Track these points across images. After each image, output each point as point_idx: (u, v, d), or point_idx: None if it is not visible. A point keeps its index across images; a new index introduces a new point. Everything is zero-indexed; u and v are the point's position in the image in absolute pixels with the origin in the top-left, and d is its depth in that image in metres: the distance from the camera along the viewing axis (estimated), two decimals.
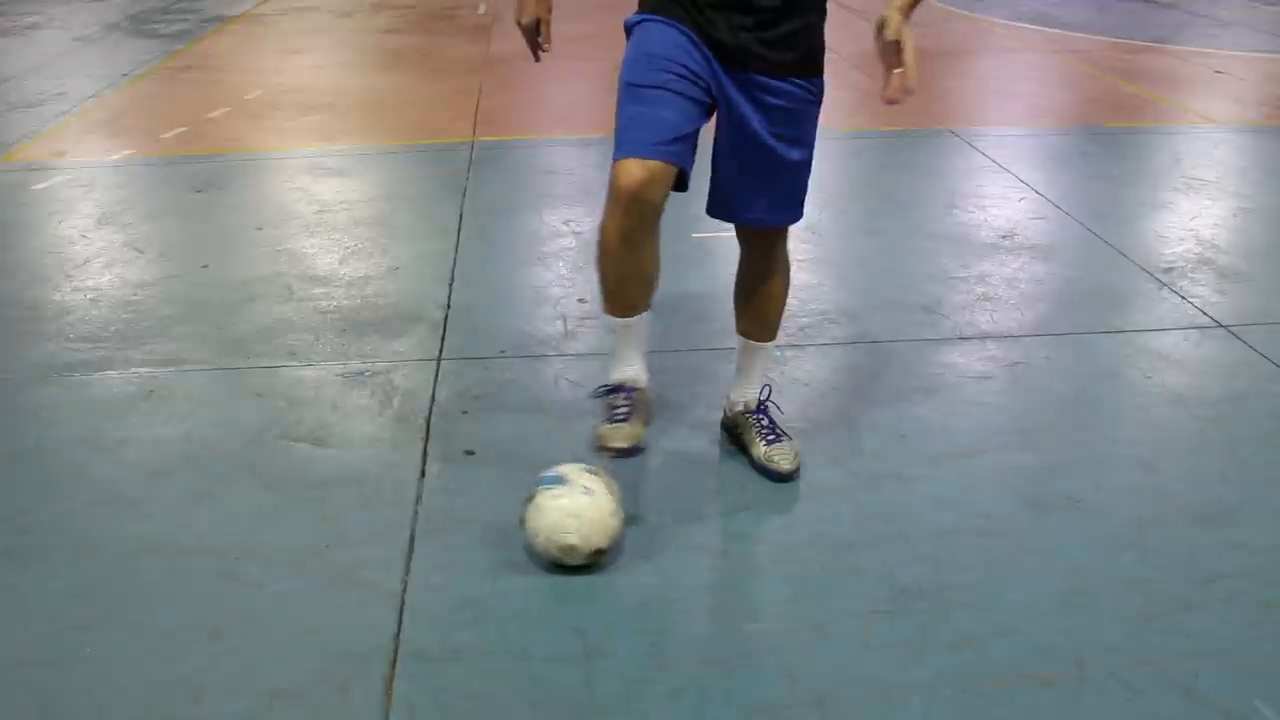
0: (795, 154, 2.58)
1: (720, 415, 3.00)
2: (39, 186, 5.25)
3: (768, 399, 2.90)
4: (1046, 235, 4.57)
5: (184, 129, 6.27)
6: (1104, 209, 4.87)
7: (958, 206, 4.88)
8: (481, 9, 10.14)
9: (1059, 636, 2.26)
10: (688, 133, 2.47)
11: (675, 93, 2.44)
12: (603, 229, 2.53)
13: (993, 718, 2.06)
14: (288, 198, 5.11)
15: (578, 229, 4.64)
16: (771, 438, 2.83)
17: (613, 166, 2.44)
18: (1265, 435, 3.05)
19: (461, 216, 4.78)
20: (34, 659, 2.22)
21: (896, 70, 2.31)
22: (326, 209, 4.90)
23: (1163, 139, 6.11)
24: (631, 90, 2.47)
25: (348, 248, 4.45)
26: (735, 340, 2.91)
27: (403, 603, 2.37)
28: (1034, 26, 9.46)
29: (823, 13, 2.52)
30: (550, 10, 2.71)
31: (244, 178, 5.44)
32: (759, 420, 2.87)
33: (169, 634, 2.28)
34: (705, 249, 4.20)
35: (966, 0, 10.50)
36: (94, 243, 4.51)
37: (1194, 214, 4.80)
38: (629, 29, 2.56)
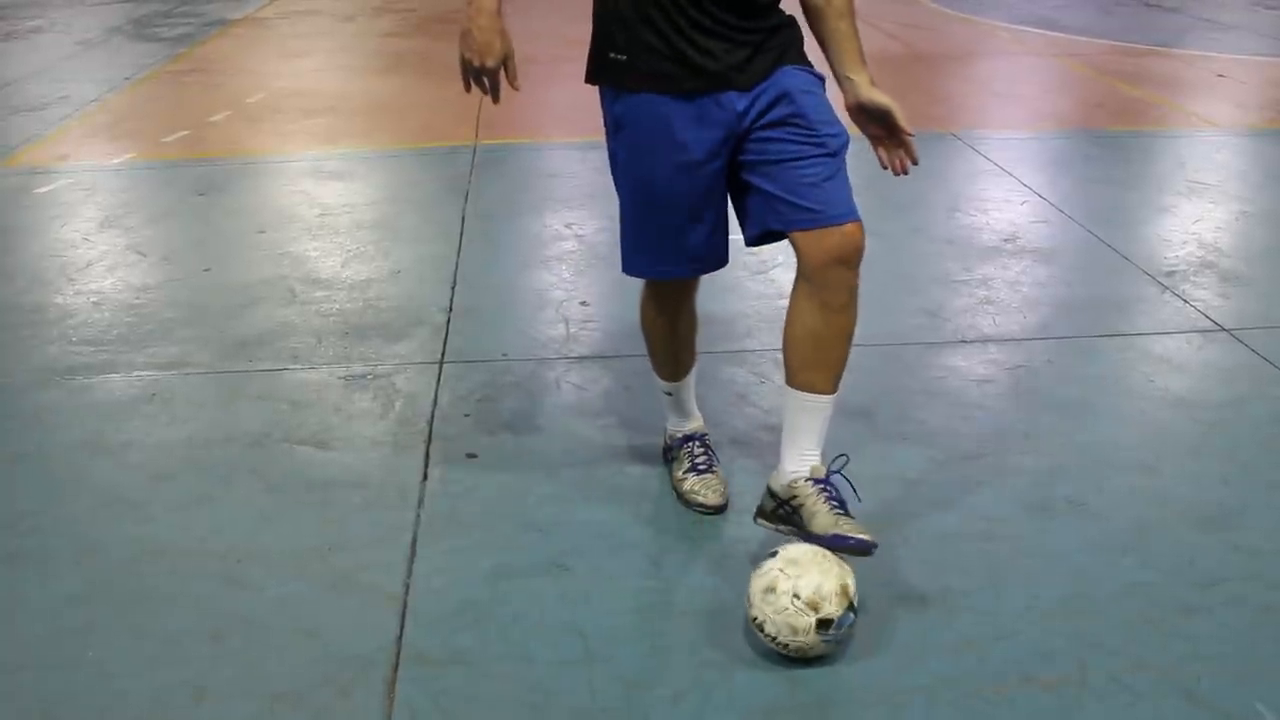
0: (834, 131, 2.28)
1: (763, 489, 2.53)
2: (41, 190, 5.26)
3: (840, 470, 2.38)
4: (1048, 239, 4.57)
5: (186, 132, 6.28)
6: (1106, 212, 4.87)
7: (960, 210, 4.88)
8: None
9: (1060, 640, 2.26)
10: (719, 230, 2.43)
11: (681, 220, 2.37)
12: (644, 312, 2.65)
13: None
14: (290, 201, 5.12)
15: (580, 232, 4.65)
16: (840, 510, 2.29)
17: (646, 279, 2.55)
18: (1267, 439, 3.05)
19: (464, 220, 4.78)
20: (36, 661, 2.22)
21: (892, 149, 2.35)
22: (329, 212, 4.90)
23: (1165, 143, 6.11)
24: (643, 209, 2.42)
25: (350, 251, 4.45)
26: (789, 397, 2.36)
27: (404, 606, 2.37)
28: (1036, 30, 9.46)
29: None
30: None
31: (246, 181, 5.45)
32: (824, 491, 2.31)
33: (171, 637, 2.29)
34: None
35: (969, 4, 10.50)
36: (96, 246, 4.52)
37: (1196, 218, 4.80)
38: (617, 126, 2.37)
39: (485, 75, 2.23)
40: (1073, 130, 6.38)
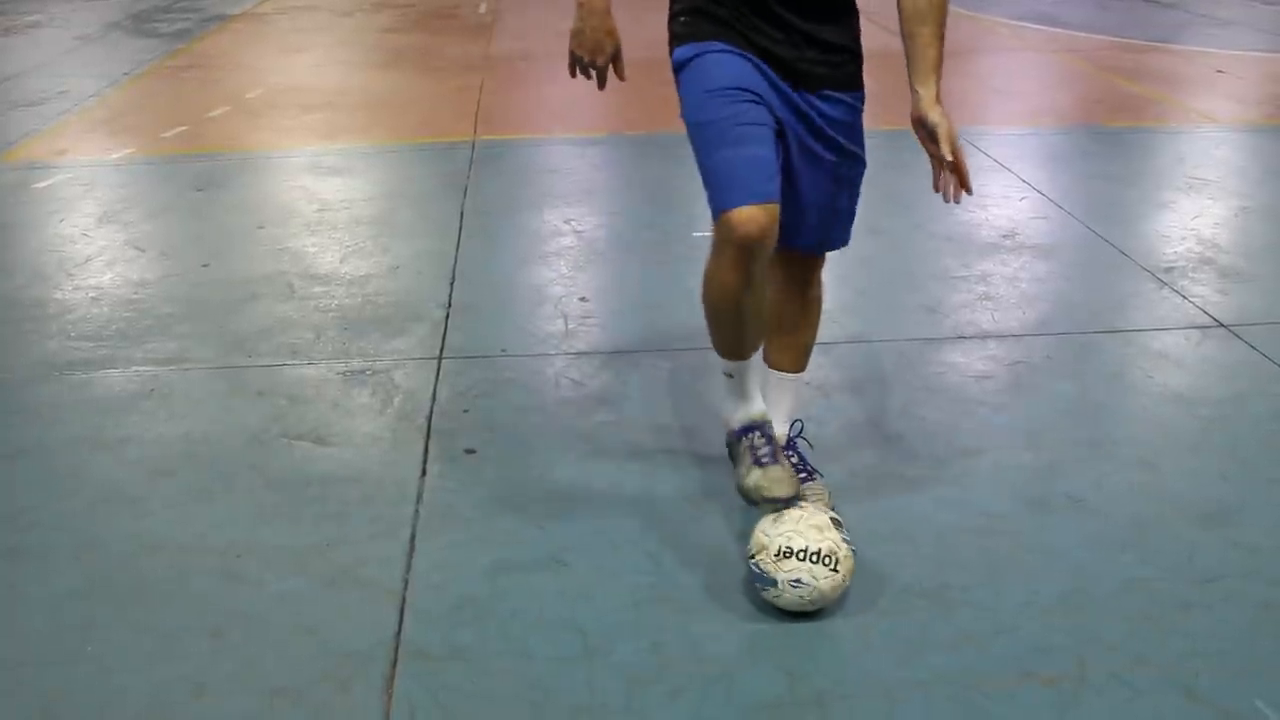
0: (853, 170, 2.46)
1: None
2: (40, 185, 5.26)
3: (799, 434, 2.71)
4: (1048, 235, 4.57)
5: (185, 128, 6.27)
6: (1105, 208, 4.87)
7: (959, 206, 4.86)
8: (482, 8, 10.13)
9: (1059, 636, 2.26)
10: (778, 166, 2.33)
11: (761, 124, 2.29)
12: (719, 279, 2.32)
13: (993, 717, 2.06)
14: (289, 196, 5.11)
15: (579, 228, 4.65)
16: (804, 475, 2.62)
17: (723, 216, 2.23)
18: (1266, 435, 3.05)
19: (462, 215, 4.78)
20: (35, 657, 2.22)
21: (945, 172, 2.32)
22: (327, 208, 4.90)
23: (1164, 138, 6.11)
24: (716, 129, 2.28)
25: (349, 246, 4.45)
26: (765, 373, 2.65)
27: (403, 602, 2.37)
28: (1036, 26, 9.46)
29: (858, 25, 2.44)
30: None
31: (245, 176, 5.45)
32: (788, 457, 2.57)
33: (170, 632, 2.29)
34: (706, 248, 4.19)
35: (970, 0, 10.49)
36: (95, 241, 4.52)
37: (1195, 213, 4.80)
38: (682, 63, 2.36)
39: (594, 69, 2.33)
40: (1072, 126, 6.38)
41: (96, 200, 5.04)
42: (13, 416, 3.20)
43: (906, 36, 2.36)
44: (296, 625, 2.31)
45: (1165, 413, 3.19)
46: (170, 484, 2.83)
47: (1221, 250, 4.37)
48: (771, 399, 2.66)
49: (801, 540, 2.25)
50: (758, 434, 2.47)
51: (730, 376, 2.50)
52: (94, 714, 2.08)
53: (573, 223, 4.71)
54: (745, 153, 2.26)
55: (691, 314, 3.75)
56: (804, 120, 2.37)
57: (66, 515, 2.70)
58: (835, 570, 2.25)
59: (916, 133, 2.37)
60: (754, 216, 2.21)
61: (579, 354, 3.53)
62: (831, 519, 2.32)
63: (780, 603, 2.27)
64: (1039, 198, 5.00)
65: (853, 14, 2.40)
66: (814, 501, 2.52)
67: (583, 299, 3.94)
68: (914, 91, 2.35)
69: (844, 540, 2.29)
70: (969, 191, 2.34)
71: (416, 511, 2.69)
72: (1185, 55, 8.35)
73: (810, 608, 2.27)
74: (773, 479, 2.39)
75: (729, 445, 2.58)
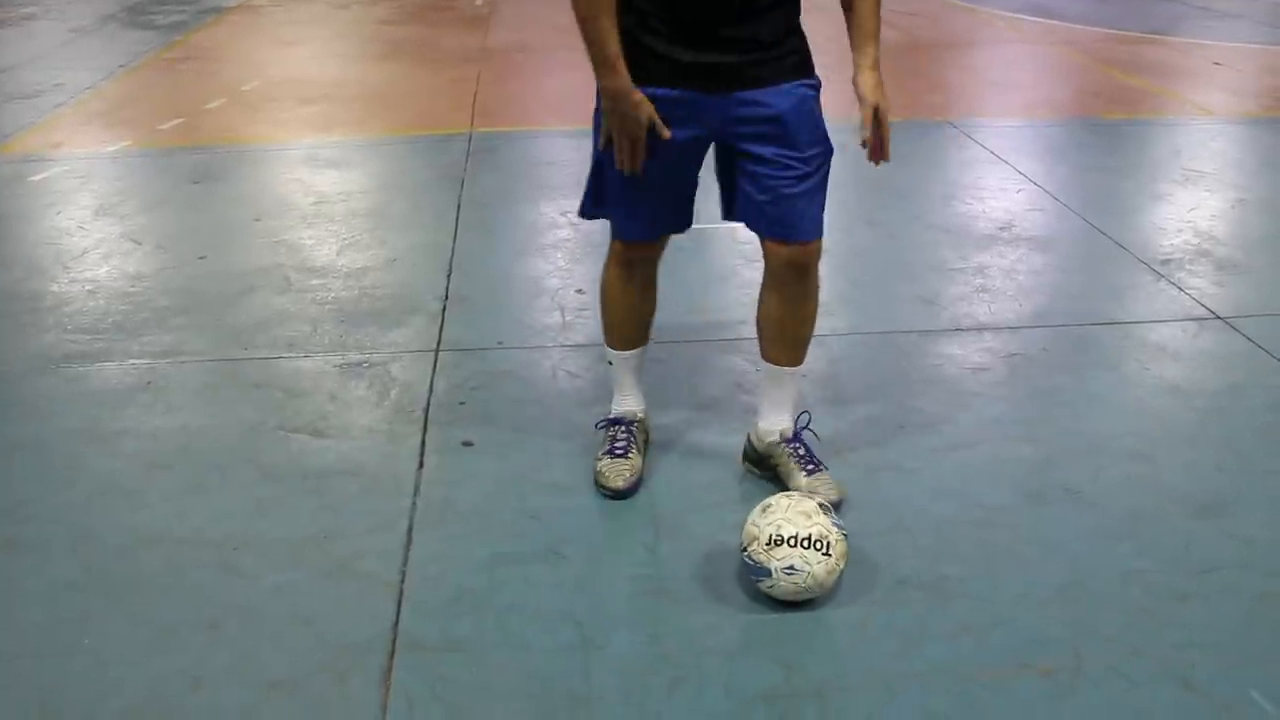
0: (809, 158, 2.45)
1: (744, 443, 2.82)
2: (36, 178, 5.25)
3: (806, 426, 2.76)
4: (1044, 227, 4.57)
5: (181, 120, 6.26)
6: (1102, 201, 4.87)
7: (956, 198, 4.88)
8: (479, 0, 10.13)
9: (1056, 627, 2.26)
10: (686, 198, 2.60)
11: (667, 181, 2.51)
12: (606, 275, 2.74)
13: (991, 708, 2.07)
14: (285, 189, 5.11)
15: (575, 220, 4.63)
16: (811, 468, 2.67)
17: (611, 237, 2.64)
18: (1262, 427, 3.06)
19: (459, 207, 4.78)
20: (32, 650, 2.22)
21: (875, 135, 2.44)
22: (324, 200, 4.89)
23: (1161, 131, 6.11)
24: (616, 178, 2.50)
25: (345, 239, 4.44)
26: (762, 368, 2.75)
27: (401, 593, 2.37)
28: (1032, 18, 9.45)
29: (795, 16, 2.46)
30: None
31: (241, 169, 5.44)
32: (796, 450, 2.69)
33: (167, 625, 2.29)
34: (701, 240, 4.20)
35: None
36: (91, 234, 4.51)
37: (1192, 206, 4.80)
38: (599, 105, 2.45)
39: (635, 144, 2.41)
40: (1069, 118, 6.38)
41: (92, 193, 5.03)
42: (9, 410, 3.19)
43: (847, 8, 2.47)
44: (294, 617, 2.31)
45: (1162, 405, 3.19)
46: (167, 477, 2.82)
47: (1218, 242, 4.37)
48: (772, 394, 2.73)
49: (791, 527, 2.26)
50: (621, 427, 2.80)
51: (611, 364, 2.85)
52: (91, 706, 2.08)
53: (569, 215, 4.70)
54: (643, 206, 2.56)
55: (686, 307, 3.77)
56: (741, 122, 2.42)
57: (63, 508, 2.70)
58: (828, 554, 2.25)
59: (856, 94, 2.46)
60: (634, 248, 2.66)
61: (576, 346, 3.53)
62: (819, 504, 2.33)
63: (776, 592, 2.27)
64: (1036, 190, 5.00)
65: (784, 7, 2.42)
66: (823, 493, 2.53)
67: (579, 291, 3.93)
68: (854, 59, 2.46)
69: (834, 525, 2.30)
70: (882, 159, 2.49)
71: (413, 504, 2.69)
72: (1182, 47, 8.35)
73: (807, 595, 2.27)
74: (615, 471, 2.70)
75: (600, 428, 2.87)
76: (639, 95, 2.36)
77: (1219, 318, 3.70)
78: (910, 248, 4.37)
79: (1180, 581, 2.41)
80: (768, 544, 2.26)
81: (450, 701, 2.08)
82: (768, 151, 2.43)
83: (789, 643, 2.23)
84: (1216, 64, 7.75)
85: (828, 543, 2.26)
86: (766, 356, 2.71)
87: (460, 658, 2.19)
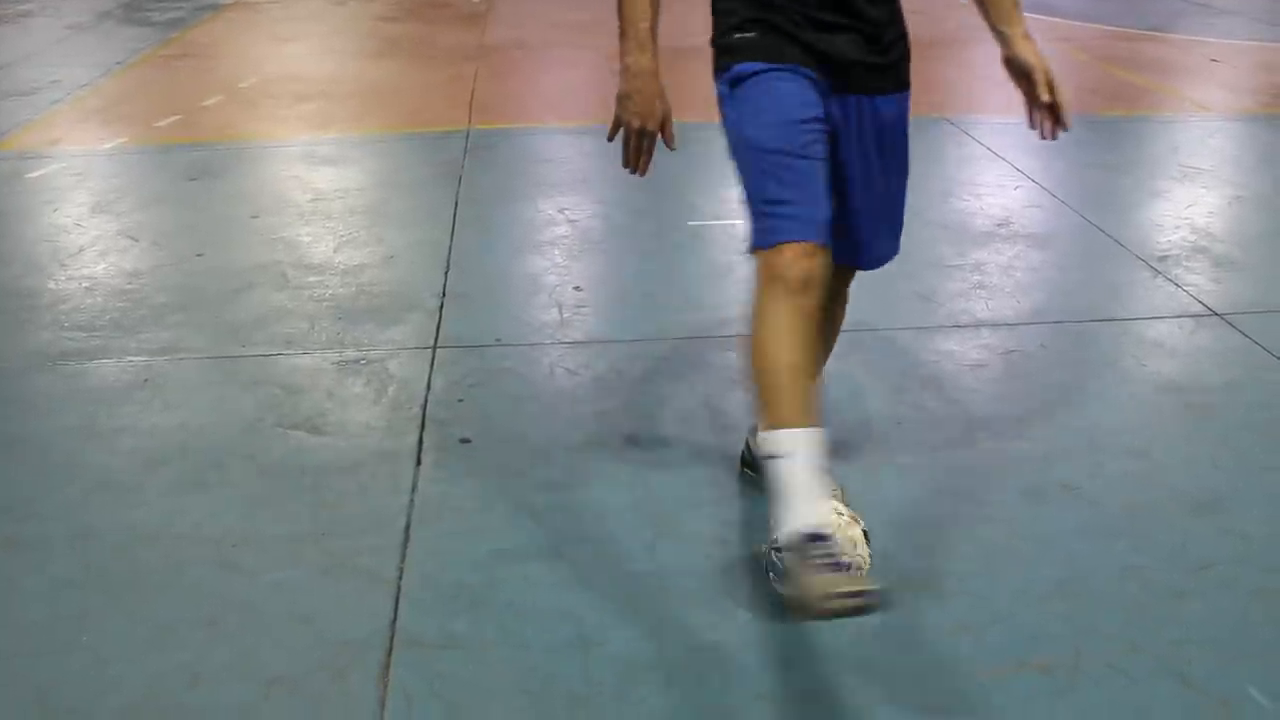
0: (902, 176, 2.36)
1: (742, 447, 2.76)
2: (33, 175, 5.24)
3: None
4: (1042, 223, 4.57)
5: (178, 117, 6.25)
6: (1099, 197, 4.87)
7: (954, 195, 4.88)
8: None
9: (1054, 624, 2.27)
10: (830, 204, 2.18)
11: (818, 159, 2.13)
12: (768, 322, 2.05)
13: (989, 705, 2.07)
14: (282, 186, 5.10)
15: (573, 217, 4.64)
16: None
17: (771, 252, 2.06)
18: (1259, 423, 3.06)
19: (457, 204, 4.77)
20: (31, 647, 2.22)
21: (1041, 110, 2.27)
22: (321, 197, 4.89)
23: (1158, 127, 6.11)
24: (769, 158, 2.11)
25: (343, 236, 4.44)
26: None
27: (399, 591, 2.37)
28: (1031, 15, 9.30)
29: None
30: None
31: (238, 166, 5.43)
32: None
33: (165, 622, 2.29)
34: (701, 237, 4.20)
35: None
36: (88, 231, 4.51)
37: (1189, 202, 4.80)
38: (734, 81, 2.18)
39: (644, 138, 2.21)
40: None
41: (89, 190, 5.03)
42: (7, 407, 3.19)
43: None
44: (292, 614, 2.31)
45: (1159, 401, 3.19)
46: (165, 474, 2.82)
47: (1215, 239, 4.37)
48: None
49: None
50: (823, 544, 1.89)
51: (789, 457, 1.97)
52: (89, 704, 2.08)
53: (567, 212, 4.70)
54: (803, 189, 2.11)
55: (686, 304, 3.77)
56: (858, 127, 2.25)
57: (61, 505, 2.69)
58: None
59: (1008, 74, 2.33)
60: (809, 254, 2.06)
61: (574, 343, 3.53)
62: (864, 530, 2.27)
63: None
64: (1033, 187, 5.00)
65: (900, 15, 2.28)
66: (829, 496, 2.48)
67: (577, 288, 3.93)
68: (999, 33, 2.31)
69: (869, 555, 2.26)
70: (1066, 128, 2.29)
71: (411, 501, 2.69)
72: (1180, 44, 8.35)
73: None
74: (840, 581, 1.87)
75: (792, 547, 1.91)
76: (661, 87, 2.18)
77: (1216, 314, 3.70)
78: (908, 244, 4.31)
79: (1178, 578, 2.41)
80: None
81: (449, 698, 2.08)
82: (873, 164, 2.31)
83: (787, 639, 2.23)
84: (1214, 61, 7.76)
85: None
86: None
87: (459, 655, 2.19)
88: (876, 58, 2.24)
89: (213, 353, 3.48)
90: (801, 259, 2.06)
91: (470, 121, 6.11)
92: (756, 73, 2.17)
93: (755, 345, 2.07)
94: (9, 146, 5.74)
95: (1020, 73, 2.30)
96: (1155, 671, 2.14)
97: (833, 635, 2.24)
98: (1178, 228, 4.49)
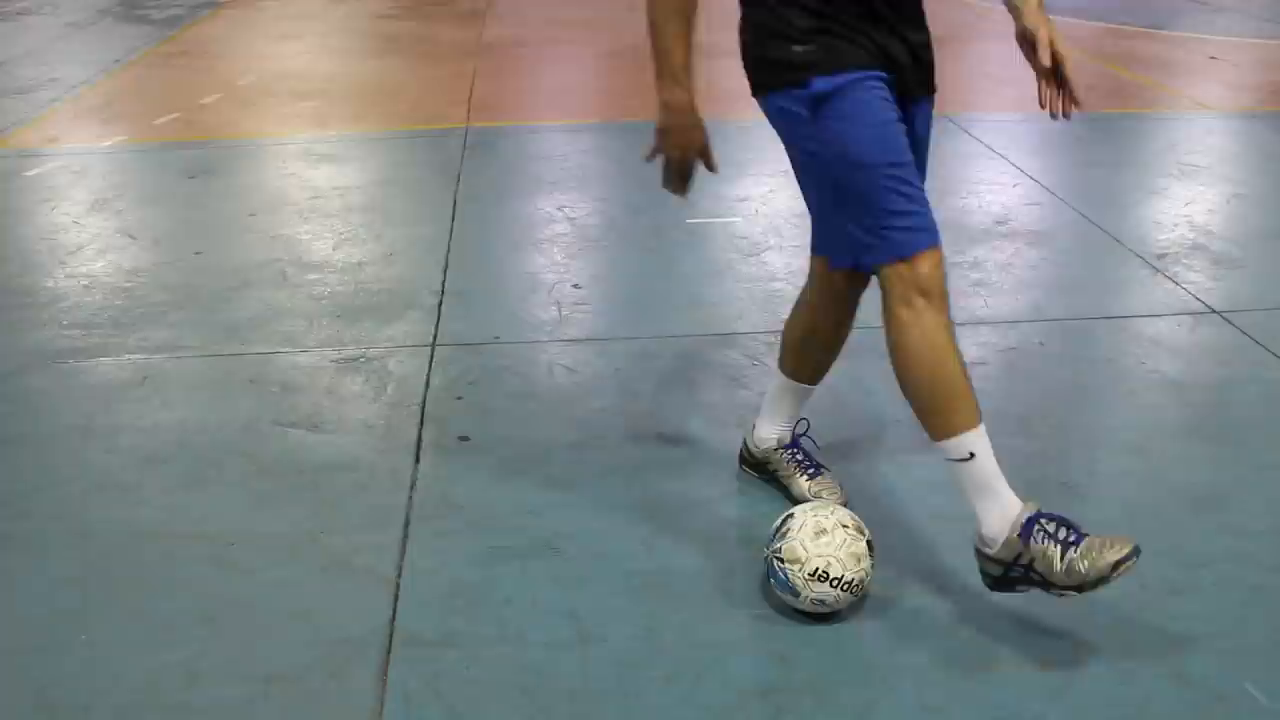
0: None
1: (741, 448, 2.78)
2: (31, 173, 5.24)
3: (805, 432, 2.69)
4: (1040, 221, 4.57)
5: (176, 115, 6.25)
6: (1098, 195, 4.87)
7: (952, 193, 4.88)
8: None
9: (1052, 620, 2.27)
10: None
11: (912, 160, 2.21)
12: (925, 335, 2.15)
13: (986, 701, 2.07)
14: (281, 184, 5.10)
15: (572, 215, 4.64)
16: (813, 471, 2.63)
17: (906, 264, 2.12)
18: (1257, 420, 3.06)
19: (455, 202, 4.77)
20: (29, 644, 2.22)
21: (1052, 87, 2.20)
22: (320, 195, 4.89)
23: (1157, 125, 6.11)
24: (884, 172, 2.13)
25: (342, 234, 4.44)
26: (775, 379, 2.65)
27: (398, 588, 2.37)
28: None
29: None
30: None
31: (237, 164, 5.43)
32: (794, 455, 2.65)
33: (164, 620, 2.29)
34: (700, 235, 4.20)
35: None
36: (87, 229, 4.50)
37: (1188, 200, 4.81)
38: (817, 101, 2.13)
39: (684, 165, 2.26)
40: None
41: (88, 188, 5.02)
42: (5, 405, 3.19)
43: None
44: (290, 612, 2.31)
45: (1157, 398, 3.19)
46: (163, 472, 2.82)
47: (1214, 236, 4.38)
48: (778, 403, 2.65)
49: (839, 568, 2.19)
50: (1069, 531, 2.10)
51: (973, 459, 2.18)
52: (88, 701, 2.09)
53: (566, 209, 4.70)
54: (916, 194, 2.18)
55: (685, 302, 3.77)
56: (909, 130, 2.29)
57: (59, 503, 2.70)
58: (855, 596, 2.24)
59: (1022, 49, 2.27)
60: (939, 258, 2.16)
61: (572, 341, 3.53)
62: (869, 542, 2.26)
63: (791, 604, 2.25)
64: (1032, 184, 5.00)
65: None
66: (828, 496, 2.54)
67: (576, 286, 3.93)
68: (1013, 6, 2.25)
69: (872, 566, 2.26)
70: (1078, 104, 2.20)
71: (410, 498, 2.69)
72: (1178, 41, 8.35)
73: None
74: (1089, 547, 2.04)
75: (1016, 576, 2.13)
76: (700, 118, 2.22)
77: (1215, 312, 3.70)
78: None
79: (1175, 575, 2.41)
80: (811, 575, 2.19)
81: (447, 696, 2.08)
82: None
83: (785, 637, 2.24)
84: (1212, 58, 7.76)
85: (863, 588, 2.24)
86: (792, 372, 2.60)
87: (457, 652, 2.19)
88: (920, 58, 2.27)
89: (211, 350, 3.48)
90: (938, 266, 2.14)
91: (469, 119, 6.11)
92: (840, 88, 2.13)
93: (914, 358, 2.16)
94: (7, 144, 5.73)
95: (1030, 45, 2.24)
96: (1152, 668, 2.14)
97: (832, 634, 2.24)
98: (1176, 225, 4.49)
